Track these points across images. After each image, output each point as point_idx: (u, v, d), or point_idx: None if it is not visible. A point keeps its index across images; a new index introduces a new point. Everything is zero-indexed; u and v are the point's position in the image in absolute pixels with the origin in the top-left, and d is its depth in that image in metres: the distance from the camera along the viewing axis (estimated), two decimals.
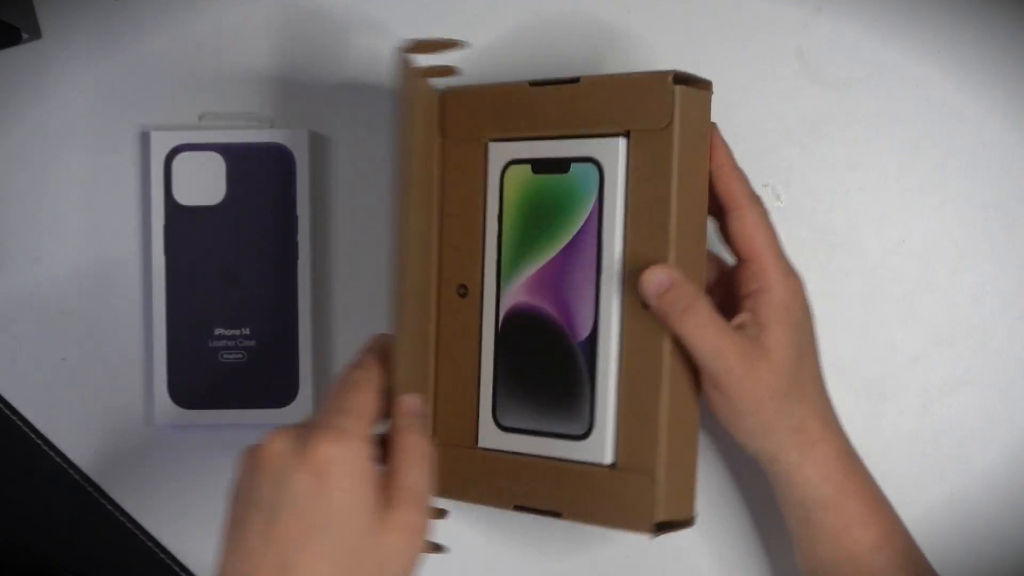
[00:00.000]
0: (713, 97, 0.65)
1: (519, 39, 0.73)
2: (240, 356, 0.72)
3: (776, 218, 0.72)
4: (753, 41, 0.72)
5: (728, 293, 0.65)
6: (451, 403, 0.69)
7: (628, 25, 0.72)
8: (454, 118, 0.68)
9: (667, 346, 0.62)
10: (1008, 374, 0.71)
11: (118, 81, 0.74)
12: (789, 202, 0.72)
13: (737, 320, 0.62)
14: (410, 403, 0.60)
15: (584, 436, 0.64)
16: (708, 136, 0.64)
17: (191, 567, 0.74)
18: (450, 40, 0.64)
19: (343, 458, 0.55)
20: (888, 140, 0.72)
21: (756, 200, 0.64)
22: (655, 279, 0.61)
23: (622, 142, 0.63)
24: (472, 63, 0.73)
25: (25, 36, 0.72)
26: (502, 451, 0.67)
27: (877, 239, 0.72)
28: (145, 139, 0.74)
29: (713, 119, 0.66)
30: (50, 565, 0.74)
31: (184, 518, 0.73)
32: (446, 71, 0.66)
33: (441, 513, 0.66)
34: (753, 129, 0.72)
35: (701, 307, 0.60)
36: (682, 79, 0.62)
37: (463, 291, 0.69)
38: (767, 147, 0.72)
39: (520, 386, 0.67)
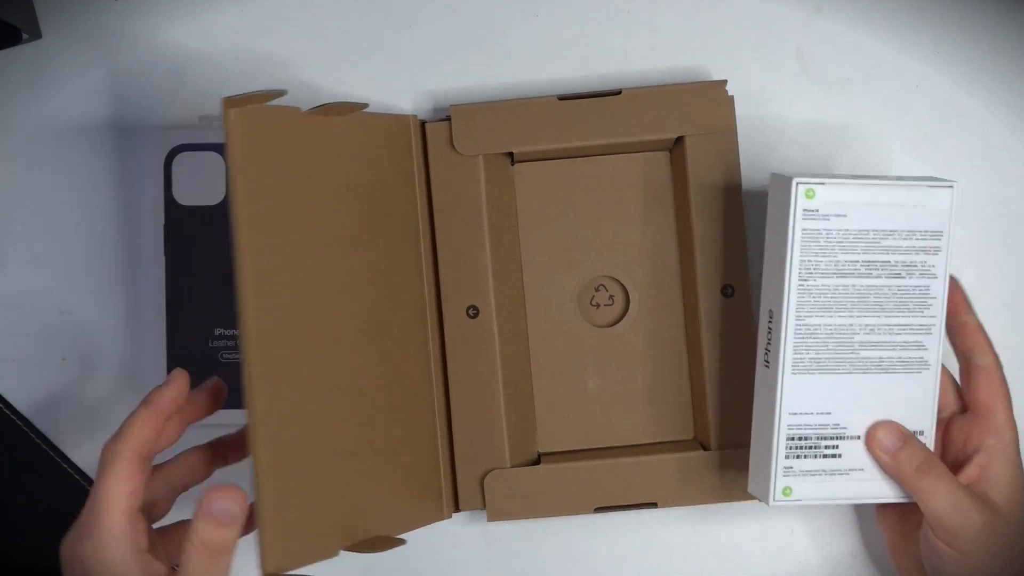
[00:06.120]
0: None
1: (517, 41, 0.73)
2: (240, 356, 0.72)
3: None
4: (753, 41, 0.72)
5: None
6: (473, 428, 0.70)
7: (627, 25, 0.72)
8: (467, 137, 0.69)
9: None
10: (1008, 374, 0.71)
11: (118, 81, 0.74)
12: None
13: (965, 476, 0.64)
14: (217, 503, 0.57)
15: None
16: None
17: None
18: (273, 91, 0.61)
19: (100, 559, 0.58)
20: (888, 140, 0.72)
21: (997, 356, 0.65)
22: (890, 440, 0.63)
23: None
24: (470, 69, 0.73)
25: (25, 36, 0.72)
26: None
27: None
28: (145, 139, 0.74)
29: None
30: (50, 565, 0.74)
31: (184, 518, 0.73)
32: (275, 94, 0.62)
33: None
34: (753, 129, 0.72)
35: (934, 463, 0.62)
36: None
37: (474, 312, 0.69)
38: (767, 147, 0.72)
39: None
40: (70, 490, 0.74)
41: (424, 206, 0.70)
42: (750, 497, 0.68)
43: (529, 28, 0.73)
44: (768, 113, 0.72)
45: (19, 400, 0.74)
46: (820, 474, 0.63)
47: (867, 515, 0.72)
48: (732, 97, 0.68)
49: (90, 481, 0.73)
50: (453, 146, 0.69)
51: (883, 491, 0.64)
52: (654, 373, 0.71)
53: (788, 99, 0.72)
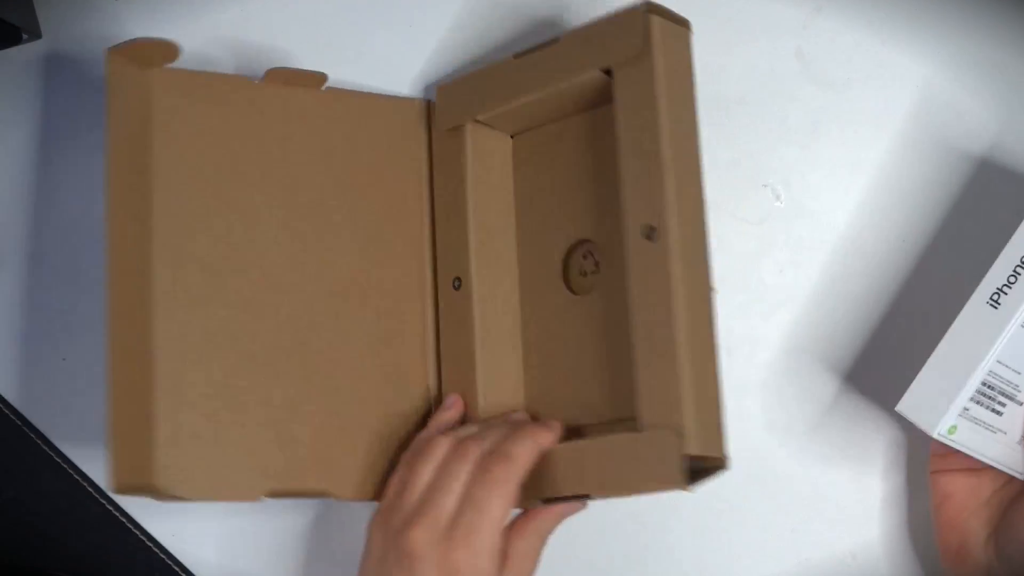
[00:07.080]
0: (711, 91, 0.66)
1: (517, 40, 0.73)
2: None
3: (776, 218, 0.72)
4: (753, 41, 0.72)
5: None
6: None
7: None
8: (445, 111, 0.70)
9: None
10: None
11: None
12: (789, 202, 0.72)
13: None
14: None
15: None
16: (691, 70, 0.64)
17: (190, 567, 0.74)
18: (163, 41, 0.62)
19: (472, 566, 0.61)
20: (888, 140, 0.72)
21: None
22: None
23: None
24: (470, 67, 0.73)
25: (25, 36, 0.72)
26: None
27: (878, 239, 0.72)
28: None
29: (714, 119, 0.66)
30: (50, 565, 0.74)
31: (184, 518, 0.73)
32: (167, 53, 0.62)
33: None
34: (753, 129, 0.72)
35: None
36: (656, 11, 0.63)
37: (457, 283, 0.69)
38: (767, 147, 0.72)
39: None
40: (70, 490, 0.74)
41: (428, 187, 0.72)
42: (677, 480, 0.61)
43: (529, 27, 0.73)
44: (768, 113, 0.72)
45: (19, 400, 0.74)
46: (982, 425, 0.63)
47: (865, 516, 0.72)
48: (652, 19, 0.62)
49: (89, 481, 0.74)
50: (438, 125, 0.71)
51: (1013, 462, 0.64)
52: (618, 342, 0.66)
53: (788, 99, 0.72)
